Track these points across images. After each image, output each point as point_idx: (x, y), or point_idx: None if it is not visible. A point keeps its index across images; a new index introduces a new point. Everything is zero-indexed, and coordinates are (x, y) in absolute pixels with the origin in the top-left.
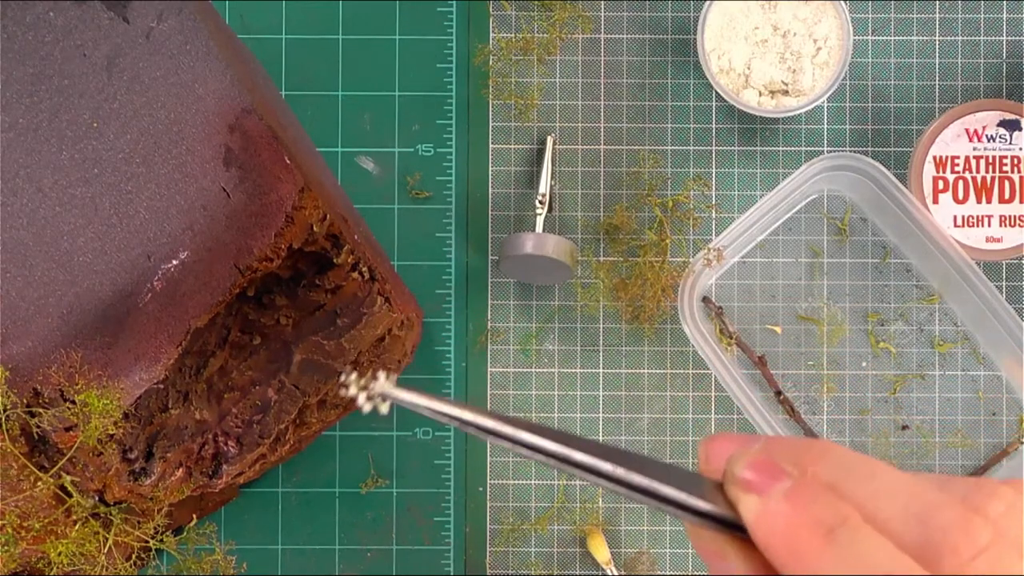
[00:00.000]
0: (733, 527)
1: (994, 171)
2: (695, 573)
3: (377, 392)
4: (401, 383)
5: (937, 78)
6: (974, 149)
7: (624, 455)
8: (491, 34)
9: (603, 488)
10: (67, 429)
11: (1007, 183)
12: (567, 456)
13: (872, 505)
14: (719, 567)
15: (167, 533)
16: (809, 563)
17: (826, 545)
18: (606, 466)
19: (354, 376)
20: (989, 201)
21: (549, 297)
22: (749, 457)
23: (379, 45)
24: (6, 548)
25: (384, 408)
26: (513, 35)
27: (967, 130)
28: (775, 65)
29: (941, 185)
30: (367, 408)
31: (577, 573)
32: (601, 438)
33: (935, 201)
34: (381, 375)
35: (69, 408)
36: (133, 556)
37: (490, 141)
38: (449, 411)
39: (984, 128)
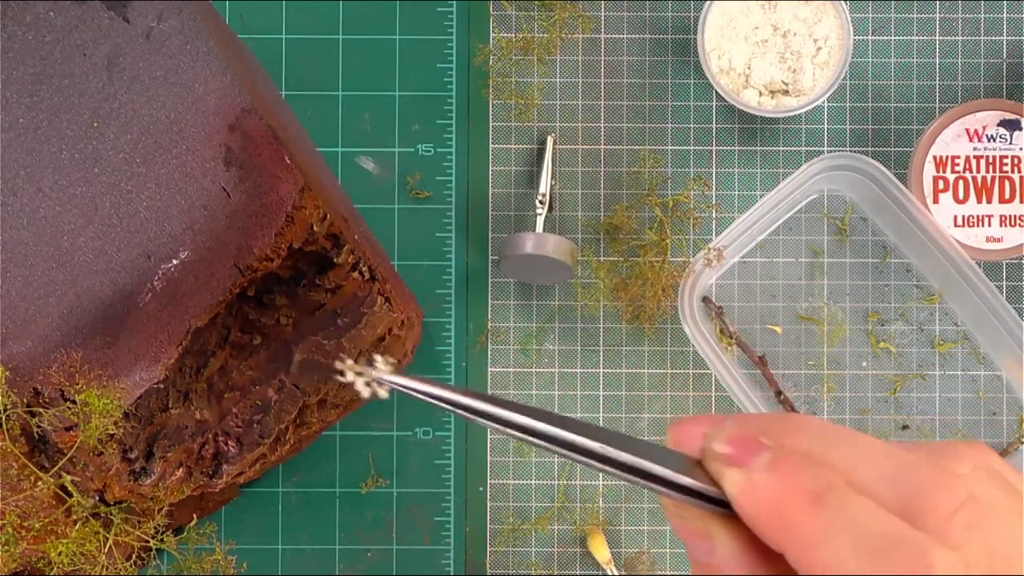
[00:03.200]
0: (717, 504)
1: (994, 171)
2: (694, 573)
3: (374, 377)
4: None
5: (937, 78)
6: (974, 149)
7: (612, 435)
8: (491, 34)
9: (593, 469)
10: (67, 429)
11: (1007, 183)
12: (556, 436)
13: (850, 471)
14: (701, 549)
15: (167, 533)
16: (799, 530)
17: (815, 510)
18: (594, 445)
19: (350, 362)
20: (989, 201)
21: (549, 297)
22: (726, 433)
23: (379, 45)
24: (6, 548)
25: (383, 392)
26: (513, 35)
27: (967, 130)
28: (775, 65)
29: (941, 185)
30: (366, 393)
31: (577, 573)
32: None
33: (935, 201)
34: (378, 360)
35: (69, 408)
36: (133, 556)
37: (490, 141)
38: (442, 395)
39: (984, 128)
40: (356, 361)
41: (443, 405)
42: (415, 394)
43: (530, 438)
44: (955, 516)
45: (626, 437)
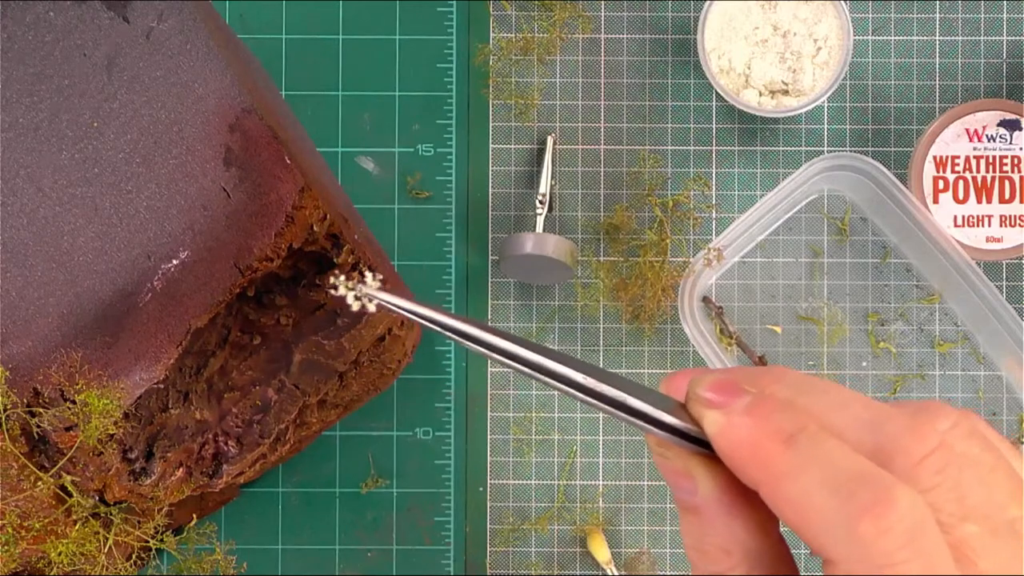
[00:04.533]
0: (698, 444)
1: (994, 171)
2: (694, 573)
3: (364, 293)
4: (403, 379)
5: (937, 78)
6: (974, 149)
7: (597, 370)
8: (491, 34)
9: (578, 400)
10: (67, 429)
11: (1007, 183)
12: (541, 364)
13: (827, 416)
14: (684, 488)
15: (167, 533)
16: (772, 467)
17: (787, 449)
18: (577, 376)
19: (343, 278)
20: (989, 201)
21: (549, 297)
22: (709, 378)
23: (379, 45)
24: (6, 548)
25: (371, 307)
26: (513, 35)
27: (967, 130)
28: (775, 65)
29: (941, 185)
30: (355, 307)
31: (577, 573)
32: (601, 438)
33: (935, 201)
34: (368, 275)
35: (69, 408)
36: (133, 556)
37: (490, 141)
38: (429, 315)
39: (984, 128)
40: (347, 277)
41: (429, 326)
42: (403, 312)
43: (516, 365)
44: (926, 461)
45: (613, 374)
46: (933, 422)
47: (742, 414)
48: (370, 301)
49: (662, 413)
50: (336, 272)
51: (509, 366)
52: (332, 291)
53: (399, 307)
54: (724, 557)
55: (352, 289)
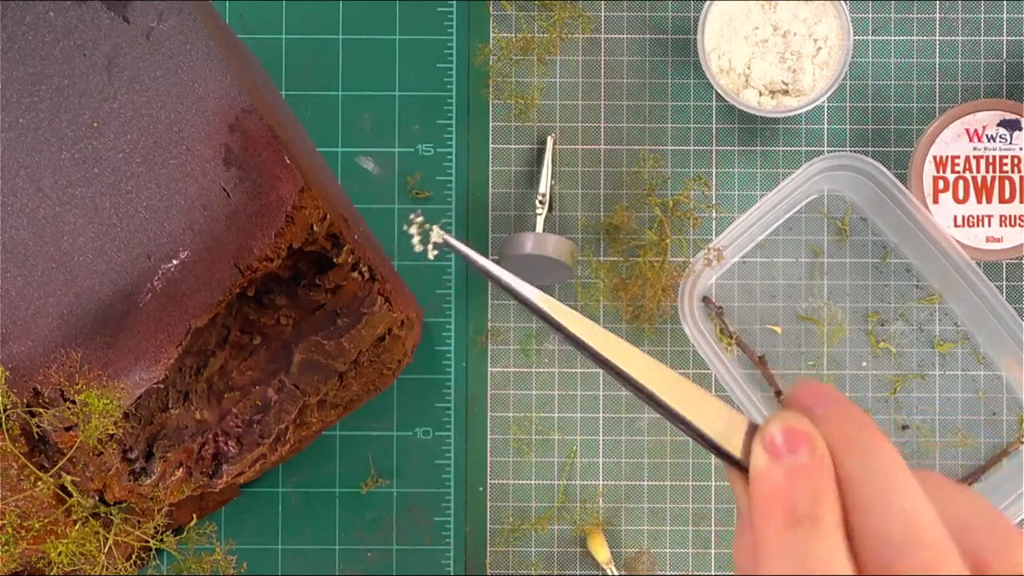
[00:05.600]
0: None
1: (994, 171)
2: (695, 573)
3: (434, 239)
4: (402, 379)
5: (937, 78)
6: (974, 149)
7: (669, 378)
8: (491, 34)
9: (641, 400)
10: (67, 429)
11: (1007, 183)
12: (617, 368)
13: (864, 517)
14: (736, 493)
15: (167, 533)
16: (764, 535)
17: (783, 529)
18: (647, 387)
19: (421, 219)
20: (989, 201)
21: None
22: (791, 422)
23: (379, 45)
24: (6, 548)
25: (431, 254)
26: (513, 35)
27: (967, 130)
28: (775, 65)
29: (941, 185)
30: (419, 248)
31: (577, 573)
32: (601, 438)
33: (935, 201)
34: (436, 228)
35: (69, 408)
36: (133, 556)
37: (490, 141)
38: (503, 278)
39: (984, 128)
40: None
41: (499, 286)
42: (477, 263)
43: (586, 353)
44: None
45: (683, 381)
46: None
47: (780, 471)
48: (434, 248)
49: (717, 439)
50: (415, 215)
51: (580, 352)
52: (406, 227)
53: (475, 262)
54: (750, 564)
55: (422, 233)
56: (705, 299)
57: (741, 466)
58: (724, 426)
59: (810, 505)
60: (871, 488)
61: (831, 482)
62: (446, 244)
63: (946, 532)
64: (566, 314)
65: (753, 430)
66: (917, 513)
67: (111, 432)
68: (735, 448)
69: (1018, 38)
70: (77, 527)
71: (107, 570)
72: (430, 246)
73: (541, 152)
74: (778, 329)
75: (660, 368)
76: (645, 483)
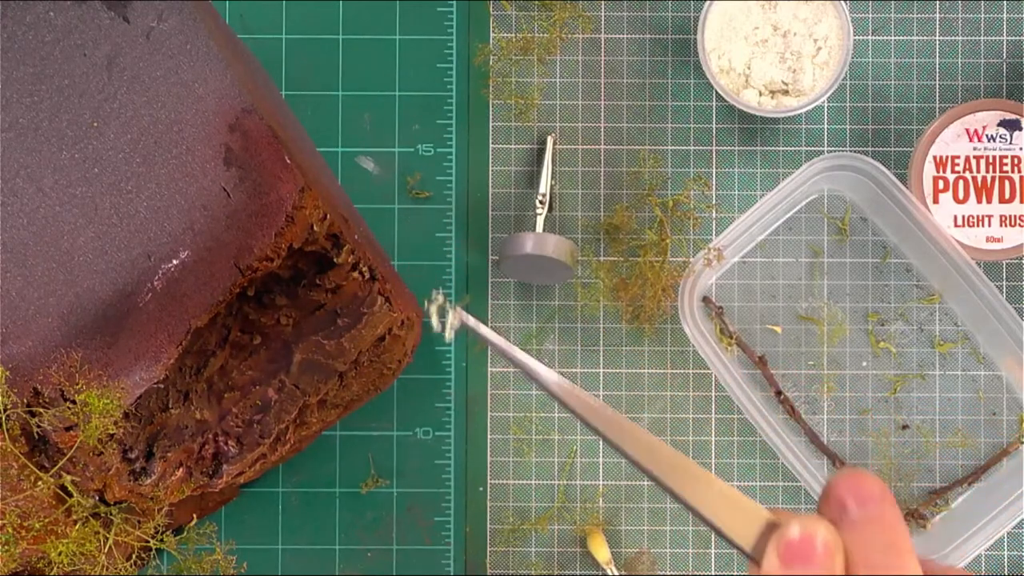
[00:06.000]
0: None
1: (994, 171)
2: (695, 573)
3: (459, 322)
4: (402, 379)
5: (937, 78)
6: (974, 149)
7: (693, 474)
8: (491, 34)
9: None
10: (67, 429)
11: (1007, 183)
12: (638, 463)
13: None
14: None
15: (167, 533)
16: None
17: None
18: (673, 488)
19: (442, 297)
20: (989, 201)
21: (549, 297)
22: (811, 530)
23: (379, 45)
24: (6, 548)
25: (449, 335)
26: (513, 35)
27: (967, 130)
28: (775, 65)
29: (941, 185)
30: (438, 328)
31: (577, 573)
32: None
33: (935, 201)
34: (457, 309)
35: (69, 408)
36: (133, 556)
37: (490, 141)
38: (516, 357)
39: (984, 128)
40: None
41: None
42: (492, 343)
43: (609, 444)
44: None
45: (698, 472)
46: None
47: None
48: (452, 331)
49: (732, 535)
50: (435, 294)
51: (600, 438)
52: (426, 305)
53: (494, 344)
54: None
55: (443, 317)
56: (705, 299)
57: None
58: (742, 520)
59: None
60: None
61: None
62: (465, 326)
63: None
64: (586, 405)
65: (772, 528)
66: None
67: (111, 432)
68: (748, 544)
69: (1018, 38)
70: (77, 527)
71: (107, 570)
72: (448, 327)
73: (541, 152)
74: (778, 329)
75: (680, 459)
76: (645, 483)
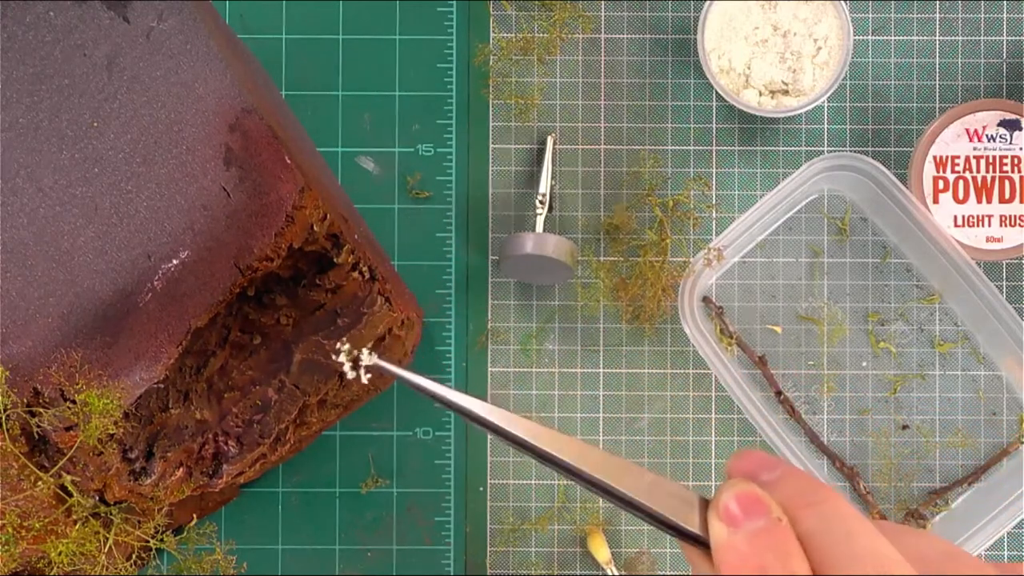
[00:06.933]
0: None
1: (994, 171)
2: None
3: (365, 364)
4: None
5: (937, 78)
6: (974, 149)
7: (613, 465)
8: (491, 34)
9: (589, 492)
10: (67, 429)
11: (1007, 183)
12: (554, 458)
13: (834, 565)
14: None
15: (167, 533)
16: None
17: None
18: (593, 475)
19: (348, 346)
20: (989, 201)
21: (549, 297)
22: (741, 489)
23: (379, 45)
24: (6, 548)
25: (364, 378)
26: (513, 35)
27: (967, 130)
28: (775, 65)
29: (941, 185)
30: (351, 374)
31: (577, 573)
32: (601, 439)
33: (935, 201)
34: (365, 352)
35: (69, 408)
36: (133, 556)
37: (490, 141)
38: (428, 388)
39: (984, 128)
40: (352, 346)
41: (441, 404)
42: (414, 386)
43: (529, 453)
44: None
45: (634, 468)
46: None
47: (743, 539)
48: (366, 373)
49: (671, 517)
50: (342, 341)
51: (523, 453)
52: (335, 356)
53: (410, 382)
54: None
55: (351, 358)
56: (705, 299)
57: (701, 542)
58: (678, 504)
59: (780, 565)
60: (833, 535)
61: (794, 539)
62: (378, 368)
63: (908, 563)
64: (513, 420)
65: (706, 505)
66: (881, 550)
67: (111, 432)
68: (692, 526)
69: (1018, 38)
70: (77, 527)
71: (107, 570)
72: (362, 370)
73: (541, 152)
74: (778, 329)
75: (610, 458)
76: None
